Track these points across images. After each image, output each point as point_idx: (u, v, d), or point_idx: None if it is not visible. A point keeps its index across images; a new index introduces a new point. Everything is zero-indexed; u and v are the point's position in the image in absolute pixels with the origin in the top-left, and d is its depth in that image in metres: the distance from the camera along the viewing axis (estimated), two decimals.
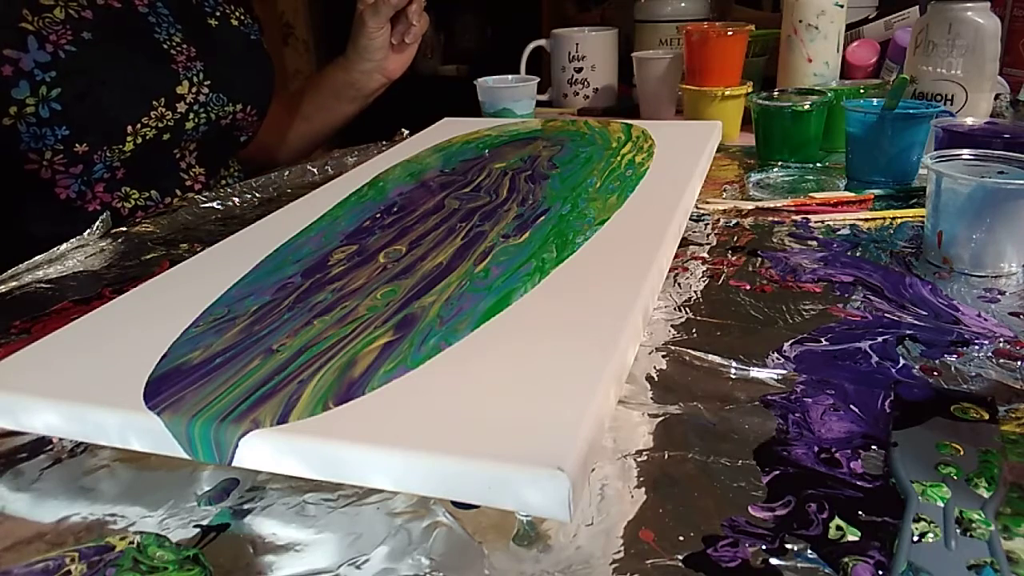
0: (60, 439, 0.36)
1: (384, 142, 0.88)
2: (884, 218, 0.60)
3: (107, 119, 0.67)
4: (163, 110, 0.70)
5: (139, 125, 0.69)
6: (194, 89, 0.73)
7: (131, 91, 0.68)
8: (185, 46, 0.73)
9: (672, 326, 0.44)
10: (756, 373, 0.39)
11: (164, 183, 0.76)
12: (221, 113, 0.77)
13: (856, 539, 0.28)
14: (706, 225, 0.60)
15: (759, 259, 0.53)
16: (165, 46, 0.71)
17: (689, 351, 0.41)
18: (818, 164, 0.76)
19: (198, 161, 0.79)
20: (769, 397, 0.37)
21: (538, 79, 0.96)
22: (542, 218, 0.50)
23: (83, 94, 0.65)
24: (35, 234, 0.68)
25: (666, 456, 0.33)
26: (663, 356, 0.41)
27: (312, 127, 0.95)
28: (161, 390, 0.33)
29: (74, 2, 0.65)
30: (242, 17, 0.82)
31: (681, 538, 0.28)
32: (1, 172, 0.67)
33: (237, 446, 0.30)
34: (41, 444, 0.36)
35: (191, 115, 0.73)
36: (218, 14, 0.79)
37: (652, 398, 0.37)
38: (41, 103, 0.63)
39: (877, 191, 0.64)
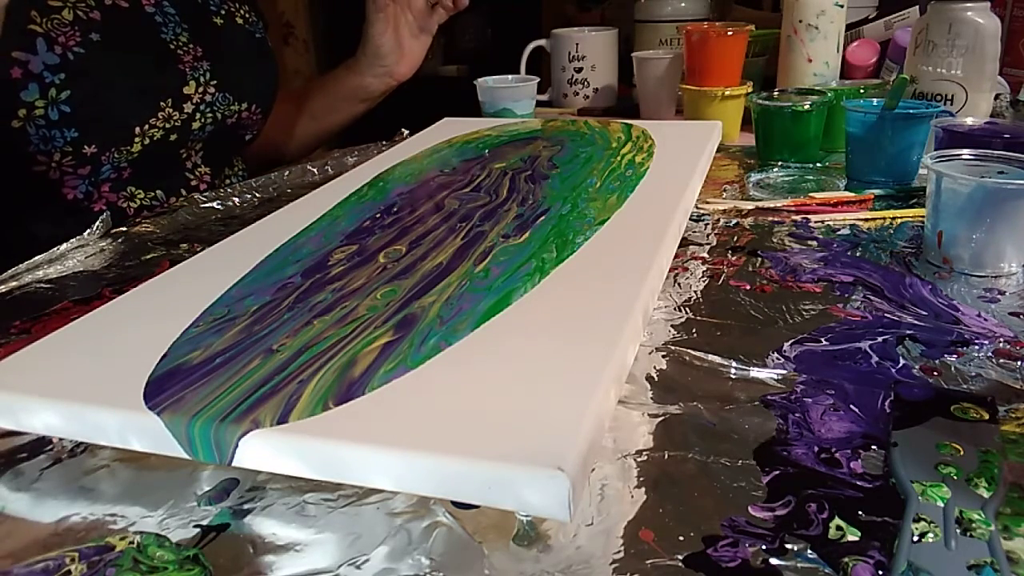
0: (60, 439, 0.36)
1: (384, 142, 0.88)
2: (884, 218, 0.60)
3: (115, 121, 0.67)
4: (170, 111, 0.70)
5: (147, 126, 0.69)
6: (200, 89, 0.73)
7: (139, 93, 0.68)
8: (191, 46, 0.73)
9: (672, 326, 0.44)
10: (756, 373, 0.39)
11: (170, 183, 0.76)
12: (227, 112, 0.77)
13: (856, 539, 0.28)
14: (706, 225, 0.60)
15: (759, 259, 0.53)
16: (172, 46, 0.71)
17: (689, 351, 0.41)
18: (818, 164, 0.76)
19: (204, 160, 0.79)
20: (769, 397, 0.37)
21: (538, 79, 0.96)
22: (542, 218, 0.50)
23: (92, 96, 0.65)
24: (38, 234, 0.68)
25: (666, 456, 0.33)
26: (663, 356, 0.41)
27: (320, 126, 0.96)
28: (161, 390, 0.33)
29: (82, 3, 0.65)
30: (247, 15, 0.82)
31: (681, 538, 0.28)
32: (9, 173, 0.67)
33: (237, 446, 0.30)
34: (41, 444, 0.36)
35: (198, 115, 0.73)
36: (223, 12, 0.79)
37: (652, 398, 0.37)
38: (50, 105, 0.63)
39: (877, 191, 0.64)
